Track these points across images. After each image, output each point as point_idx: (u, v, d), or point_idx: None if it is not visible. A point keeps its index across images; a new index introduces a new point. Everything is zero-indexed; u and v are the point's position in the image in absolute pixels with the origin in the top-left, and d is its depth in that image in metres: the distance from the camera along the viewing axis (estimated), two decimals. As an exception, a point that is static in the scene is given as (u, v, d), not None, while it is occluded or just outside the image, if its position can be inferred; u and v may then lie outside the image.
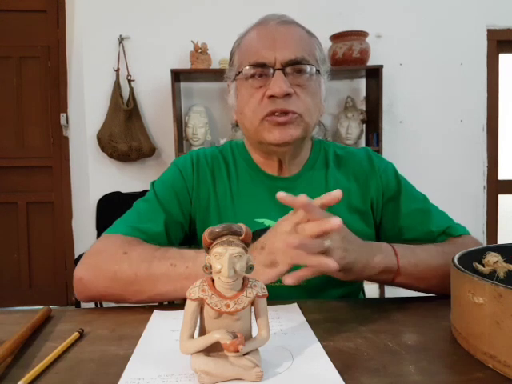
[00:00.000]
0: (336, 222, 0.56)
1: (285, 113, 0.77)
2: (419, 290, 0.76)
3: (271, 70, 0.77)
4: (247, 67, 0.79)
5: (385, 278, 0.70)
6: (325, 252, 0.58)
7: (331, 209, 0.83)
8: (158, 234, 0.79)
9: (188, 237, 0.89)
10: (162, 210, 0.82)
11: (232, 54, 0.86)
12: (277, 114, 0.77)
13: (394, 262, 0.70)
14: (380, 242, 0.90)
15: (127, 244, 0.72)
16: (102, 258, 0.71)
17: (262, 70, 0.78)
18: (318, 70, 0.81)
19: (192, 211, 0.86)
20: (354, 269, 0.64)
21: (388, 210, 0.89)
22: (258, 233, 0.74)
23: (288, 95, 0.77)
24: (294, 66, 0.77)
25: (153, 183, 0.88)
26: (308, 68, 0.78)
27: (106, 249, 0.72)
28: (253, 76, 0.79)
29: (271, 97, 0.77)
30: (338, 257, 0.59)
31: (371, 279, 0.69)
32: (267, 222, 0.84)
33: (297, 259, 0.57)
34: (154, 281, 0.67)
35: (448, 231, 0.85)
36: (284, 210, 0.82)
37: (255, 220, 0.84)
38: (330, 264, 0.55)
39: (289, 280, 0.57)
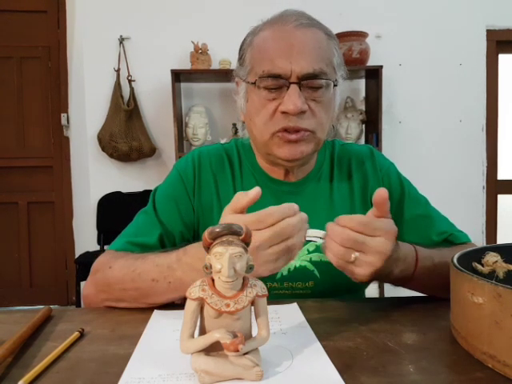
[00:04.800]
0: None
1: (297, 130, 0.75)
2: (423, 293, 0.75)
3: (286, 83, 0.74)
4: (261, 78, 0.75)
5: (397, 284, 0.71)
6: (352, 262, 0.59)
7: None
8: (152, 247, 0.79)
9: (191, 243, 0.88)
10: (159, 223, 0.82)
11: (243, 51, 0.81)
12: (289, 130, 0.75)
13: (411, 271, 0.68)
14: None
15: (113, 258, 0.75)
16: (97, 276, 0.74)
17: (277, 81, 0.74)
18: (334, 82, 0.77)
19: (194, 219, 0.85)
20: (373, 277, 0.63)
21: (391, 215, 0.87)
22: None
23: (302, 112, 0.74)
24: (310, 81, 0.74)
25: (154, 191, 0.87)
26: (325, 82, 0.75)
27: (100, 265, 0.76)
28: (266, 87, 0.75)
29: (284, 112, 0.74)
30: (364, 270, 0.59)
31: (384, 282, 0.70)
32: None
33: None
34: (143, 293, 0.69)
35: (450, 239, 0.84)
36: None
37: None
38: (357, 277, 0.60)
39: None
